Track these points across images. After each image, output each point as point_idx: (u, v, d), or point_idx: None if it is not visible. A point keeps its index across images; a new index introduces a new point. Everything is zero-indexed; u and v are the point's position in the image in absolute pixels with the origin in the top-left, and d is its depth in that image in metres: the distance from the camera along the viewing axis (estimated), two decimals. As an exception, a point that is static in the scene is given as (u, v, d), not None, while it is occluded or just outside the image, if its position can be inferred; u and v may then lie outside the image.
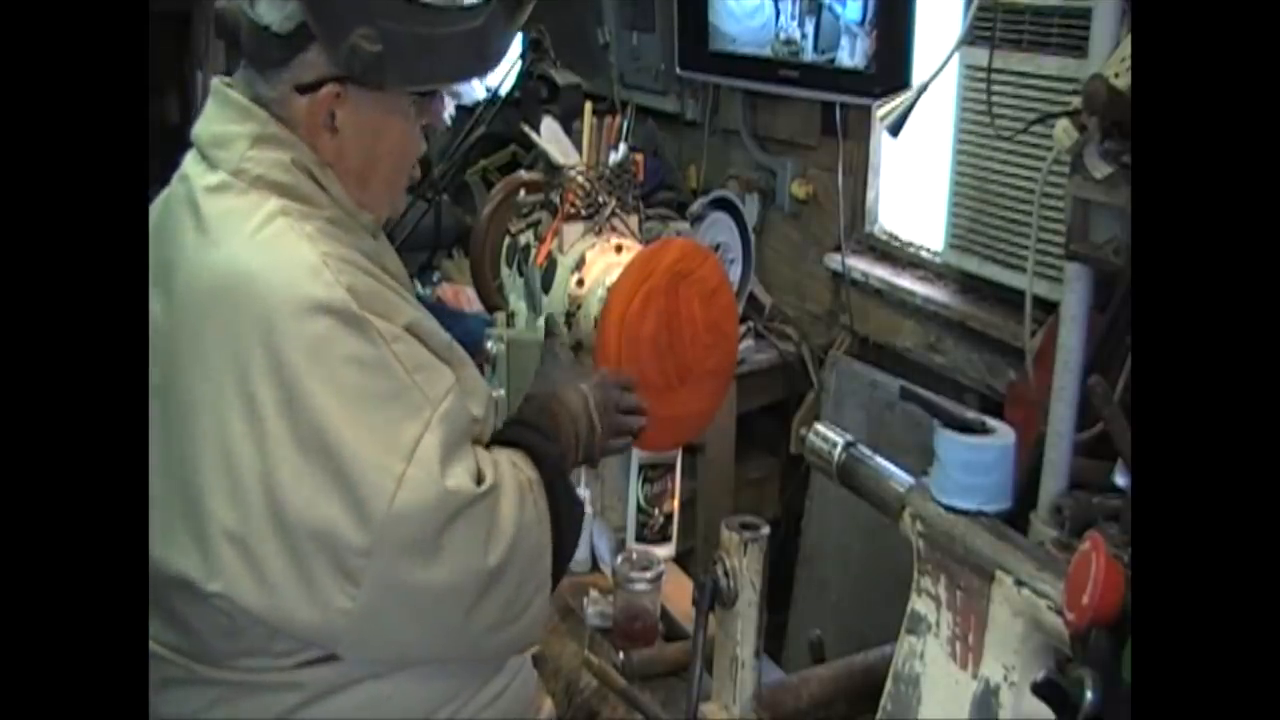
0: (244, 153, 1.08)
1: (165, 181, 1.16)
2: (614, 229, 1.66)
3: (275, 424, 0.99)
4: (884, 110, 1.59)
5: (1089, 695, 0.84)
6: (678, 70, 3.04)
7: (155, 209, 1.14)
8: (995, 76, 2.02)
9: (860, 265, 2.69)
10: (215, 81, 1.14)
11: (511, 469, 1.13)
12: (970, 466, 1.09)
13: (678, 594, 1.65)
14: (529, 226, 1.73)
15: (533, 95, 2.91)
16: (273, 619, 1.02)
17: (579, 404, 1.30)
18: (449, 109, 1.23)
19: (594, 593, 1.68)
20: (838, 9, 2.54)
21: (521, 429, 1.23)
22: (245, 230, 1.04)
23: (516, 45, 3.98)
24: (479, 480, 1.07)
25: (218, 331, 1.02)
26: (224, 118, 1.11)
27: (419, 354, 1.07)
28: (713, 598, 1.27)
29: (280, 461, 0.99)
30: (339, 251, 1.06)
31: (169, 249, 1.08)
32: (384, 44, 1.06)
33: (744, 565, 1.26)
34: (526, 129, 1.79)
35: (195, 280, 1.05)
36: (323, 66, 1.08)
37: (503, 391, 1.74)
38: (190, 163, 1.13)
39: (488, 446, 1.16)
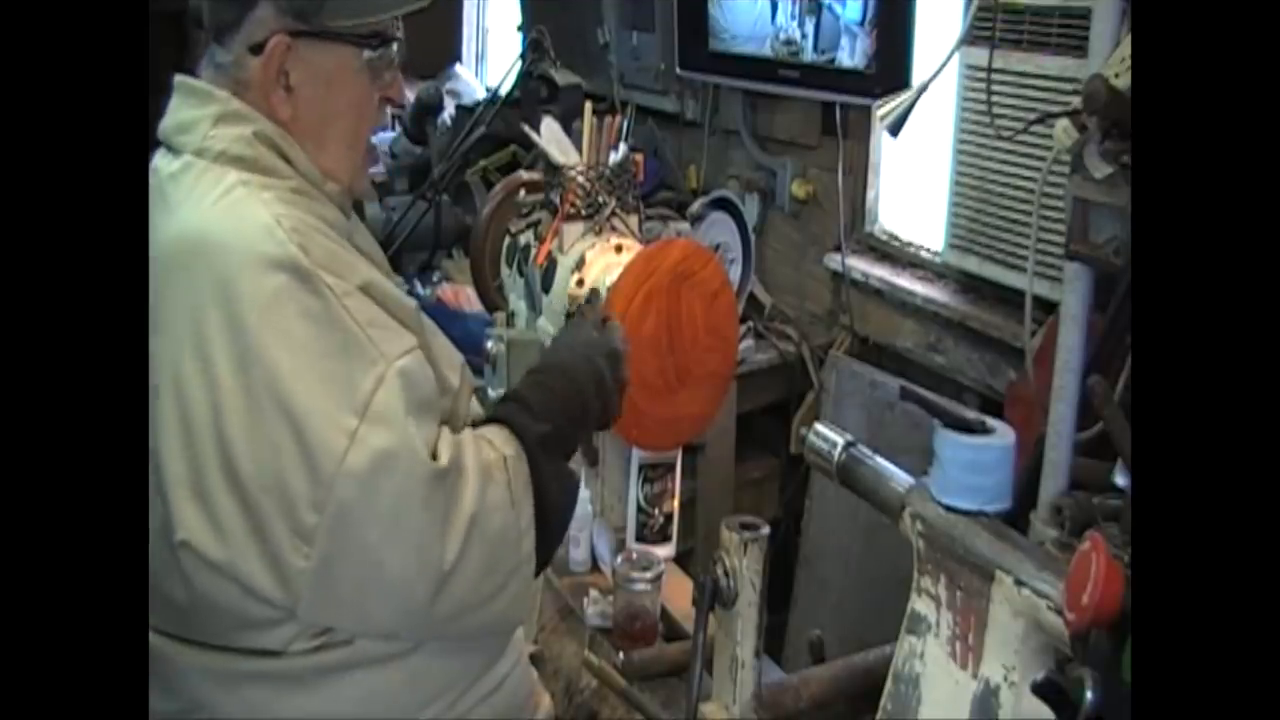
0: (206, 132, 1.11)
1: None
2: (614, 229, 1.66)
3: (228, 380, 1.00)
4: (884, 110, 1.59)
5: (1089, 695, 0.84)
6: (678, 70, 3.05)
7: None
8: (995, 76, 2.03)
9: (860, 265, 2.70)
10: (177, 78, 1.16)
11: (475, 450, 1.10)
12: (970, 466, 1.09)
13: (678, 594, 1.65)
14: (529, 226, 1.74)
15: (533, 95, 2.91)
16: (234, 574, 1.02)
17: (589, 382, 1.25)
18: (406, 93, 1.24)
19: (594, 593, 1.68)
20: (838, 9, 2.54)
21: (509, 406, 1.20)
22: (205, 203, 1.07)
23: (516, 44, 3.99)
24: (434, 457, 1.05)
25: (175, 292, 1.03)
26: (186, 105, 1.14)
27: (373, 312, 1.07)
28: (713, 598, 1.27)
29: (232, 414, 1.00)
30: (295, 215, 1.07)
31: None
32: None
33: (744, 565, 1.26)
34: (526, 129, 1.79)
35: (154, 249, 1.06)
36: (271, 21, 1.12)
37: (503, 391, 1.74)
38: (157, 157, 1.15)
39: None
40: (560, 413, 1.21)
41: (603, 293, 1.55)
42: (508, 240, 1.79)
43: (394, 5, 1.17)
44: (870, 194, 2.74)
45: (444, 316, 2.59)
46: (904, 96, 1.56)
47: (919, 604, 1.15)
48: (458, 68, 4.61)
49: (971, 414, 1.12)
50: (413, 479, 1.02)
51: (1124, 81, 1.04)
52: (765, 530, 1.27)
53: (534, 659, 1.46)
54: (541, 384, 1.24)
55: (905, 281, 2.57)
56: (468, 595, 1.09)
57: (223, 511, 1.01)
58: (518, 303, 1.77)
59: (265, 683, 1.10)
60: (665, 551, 1.79)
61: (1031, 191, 2.07)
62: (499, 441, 1.14)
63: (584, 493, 1.73)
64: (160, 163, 1.14)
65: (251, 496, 1.00)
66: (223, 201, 1.07)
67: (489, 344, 1.76)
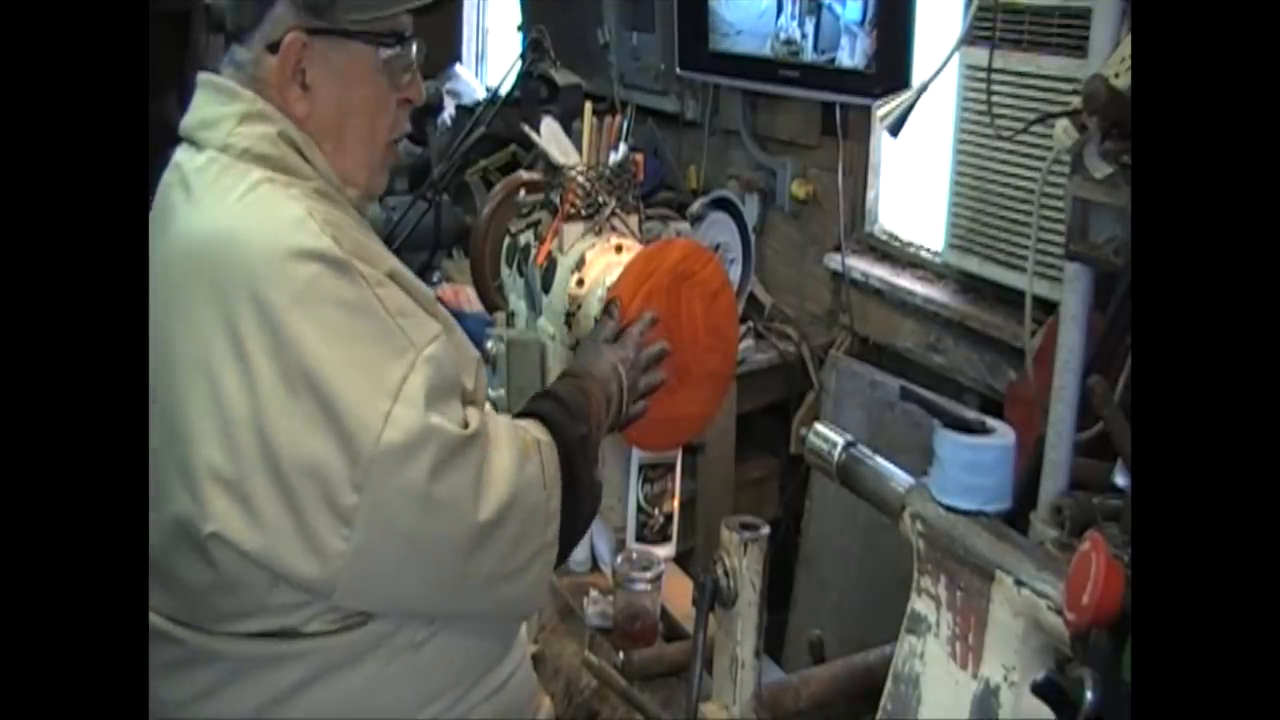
0: (231, 129, 1.12)
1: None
2: (614, 229, 1.65)
3: (264, 367, 1.01)
4: (884, 110, 1.59)
5: (1089, 695, 0.84)
6: (678, 70, 3.05)
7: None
8: (995, 76, 2.03)
9: (860, 265, 2.70)
10: (201, 75, 1.17)
11: (511, 426, 1.15)
12: (970, 466, 1.09)
13: (678, 594, 1.65)
14: (529, 226, 1.73)
15: (533, 95, 2.91)
16: (268, 561, 1.02)
17: (614, 382, 1.34)
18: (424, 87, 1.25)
19: (594, 593, 1.68)
20: (838, 9, 2.54)
21: (546, 401, 1.26)
22: (230, 198, 1.08)
23: (516, 44, 3.99)
24: (464, 427, 1.08)
25: (203, 287, 1.04)
26: (212, 102, 1.15)
27: (402, 300, 1.09)
28: (713, 598, 1.27)
29: (270, 402, 1.01)
30: (323, 209, 1.09)
31: (160, 224, 1.11)
32: None
33: (744, 565, 1.26)
34: (526, 129, 1.79)
35: (179, 243, 1.08)
36: (288, 19, 1.13)
37: (503, 391, 1.74)
38: (180, 151, 1.16)
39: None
40: (594, 417, 1.28)
41: (601, 297, 1.55)
42: (508, 240, 1.79)
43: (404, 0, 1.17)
44: (870, 194, 2.74)
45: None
46: (904, 96, 1.56)
47: (919, 604, 1.15)
48: (458, 68, 4.61)
49: (971, 414, 1.12)
50: (445, 449, 1.04)
51: (1124, 81, 1.04)
52: (765, 530, 1.27)
53: (534, 659, 1.46)
54: (580, 388, 1.30)
55: (905, 281, 2.57)
56: (498, 564, 1.11)
57: (259, 499, 1.02)
58: (518, 303, 1.77)
59: (272, 670, 1.10)
60: (665, 551, 1.79)
61: (1031, 191, 2.07)
62: (534, 429, 1.19)
63: (585, 492, 1.73)
64: (183, 157, 1.15)
65: (289, 481, 1.01)
66: (249, 197, 1.08)
67: (489, 344, 1.75)
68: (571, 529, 1.19)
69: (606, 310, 1.47)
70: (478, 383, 1.20)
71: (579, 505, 1.20)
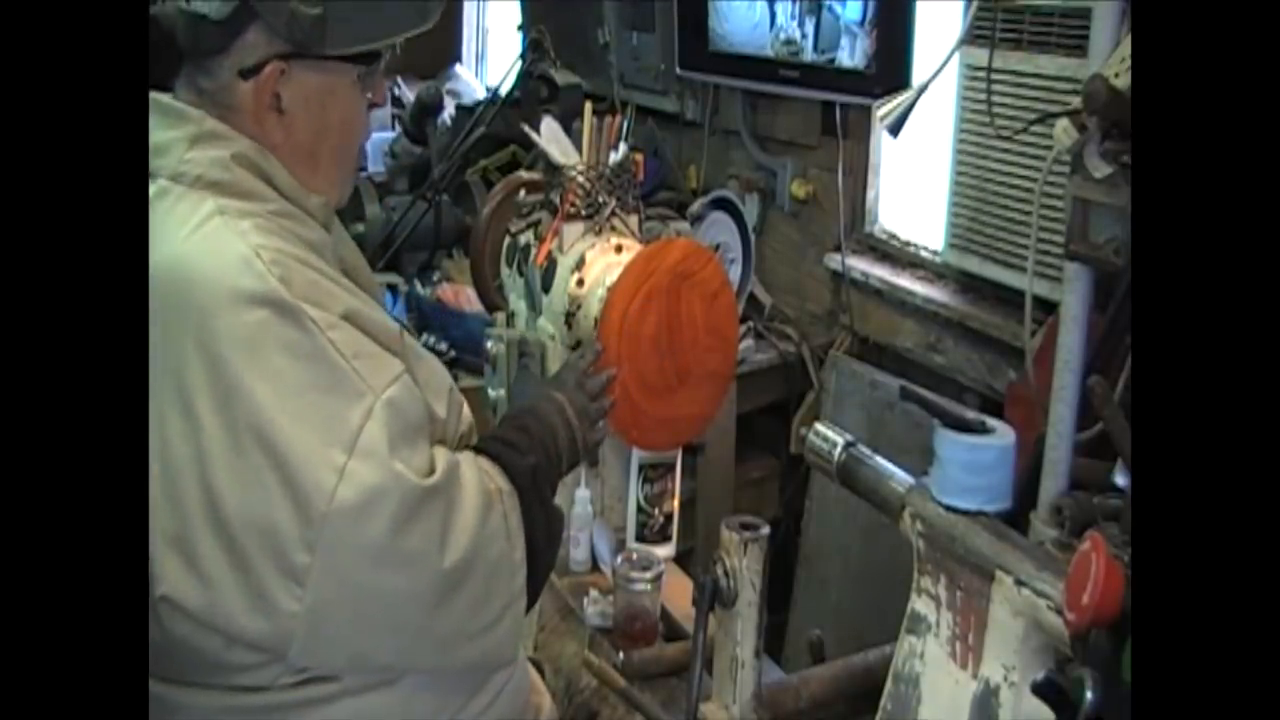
0: (182, 155, 1.07)
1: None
2: (614, 229, 1.66)
3: (211, 421, 0.97)
4: (884, 110, 1.59)
5: (1089, 695, 0.84)
6: (678, 70, 3.04)
7: None
8: (995, 76, 2.03)
9: (860, 265, 2.70)
10: (151, 95, 1.10)
11: (477, 473, 1.11)
12: (970, 466, 1.09)
13: (678, 594, 1.65)
14: (529, 226, 1.73)
15: (533, 95, 2.91)
16: (218, 623, 0.99)
17: (555, 415, 1.29)
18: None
19: (594, 593, 1.68)
20: (838, 9, 2.54)
21: (491, 443, 1.21)
22: (181, 233, 1.03)
23: (516, 44, 3.99)
24: (430, 474, 1.04)
25: (154, 334, 0.98)
26: (161, 125, 1.09)
27: (359, 341, 1.04)
28: (713, 598, 1.27)
29: (217, 460, 0.97)
30: (274, 244, 1.04)
31: None
32: (322, 5, 1.07)
33: (744, 565, 1.26)
34: (526, 129, 1.79)
35: None
36: (264, 46, 1.08)
37: (502, 391, 1.74)
38: None
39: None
40: (540, 448, 1.24)
41: (602, 297, 1.55)
42: (508, 240, 1.79)
43: (394, 31, 1.14)
44: (870, 194, 2.74)
45: (444, 316, 2.60)
46: (904, 96, 1.57)
47: (919, 604, 1.15)
48: (458, 68, 4.61)
49: (971, 414, 1.12)
50: (406, 505, 1.00)
51: (1124, 81, 1.04)
52: (765, 530, 1.28)
53: (534, 660, 1.46)
54: (518, 426, 1.26)
55: (905, 281, 2.57)
56: (466, 619, 1.08)
57: (206, 557, 0.98)
58: (518, 303, 1.77)
59: (245, 717, 1.07)
60: (665, 551, 1.79)
61: (1031, 191, 2.07)
62: (496, 476, 1.15)
63: (584, 493, 1.73)
64: None
65: (237, 539, 0.97)
66: (199, 233, 1.03)
67: (489, 344, 1.76)
68: (535, 570, 1.15)
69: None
70: (450, 410, 1.16)
71: (535, 551, 1.15)
